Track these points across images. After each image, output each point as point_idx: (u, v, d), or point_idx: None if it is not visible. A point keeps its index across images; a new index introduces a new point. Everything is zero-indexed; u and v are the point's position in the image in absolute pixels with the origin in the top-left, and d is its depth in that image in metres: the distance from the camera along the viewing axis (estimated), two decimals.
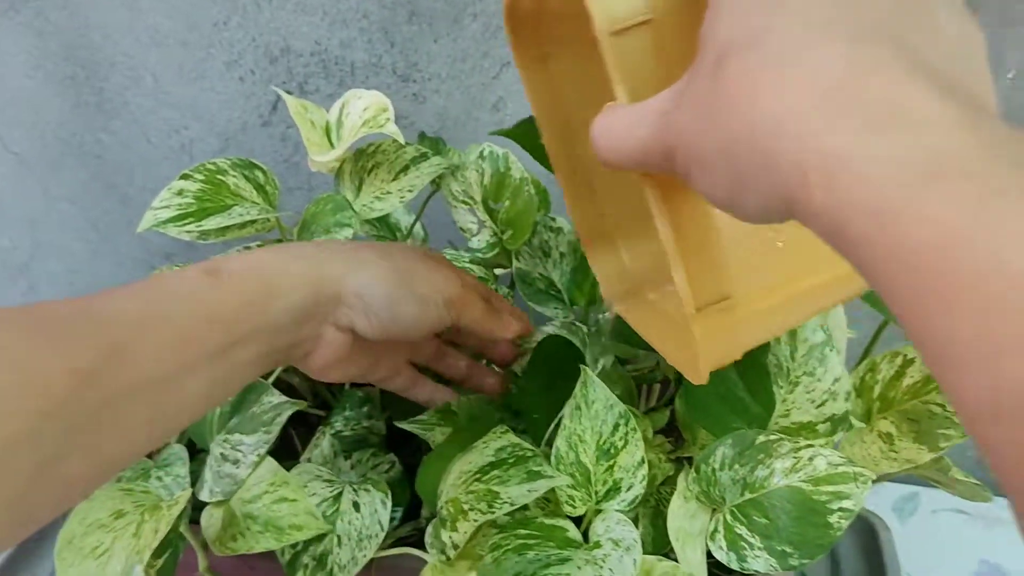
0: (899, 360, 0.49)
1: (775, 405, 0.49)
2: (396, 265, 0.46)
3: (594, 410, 0.49)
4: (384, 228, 0.74)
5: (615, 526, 0.46)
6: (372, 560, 0.53)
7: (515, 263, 0.65)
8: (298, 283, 0.41)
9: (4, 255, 0.97)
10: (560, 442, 0.48)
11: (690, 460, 0.54)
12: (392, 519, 0.57)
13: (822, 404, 0.48)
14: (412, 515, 0.59)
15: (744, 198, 0.23)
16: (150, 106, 0.85)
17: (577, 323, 0.61)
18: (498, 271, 0.69)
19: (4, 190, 0.93)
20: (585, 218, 0.50)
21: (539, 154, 0.54)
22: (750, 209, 0.23)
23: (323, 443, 0.60)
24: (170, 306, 0.36)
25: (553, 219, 0.65)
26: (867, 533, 0.80)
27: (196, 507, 0.53)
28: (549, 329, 0.60)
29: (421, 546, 0.52)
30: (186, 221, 0.59)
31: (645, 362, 0.67)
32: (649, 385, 0.67)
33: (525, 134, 0.54)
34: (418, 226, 0.73)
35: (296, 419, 0.68)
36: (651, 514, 0.52)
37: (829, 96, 0.20)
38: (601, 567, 0.43)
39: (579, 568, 0.43)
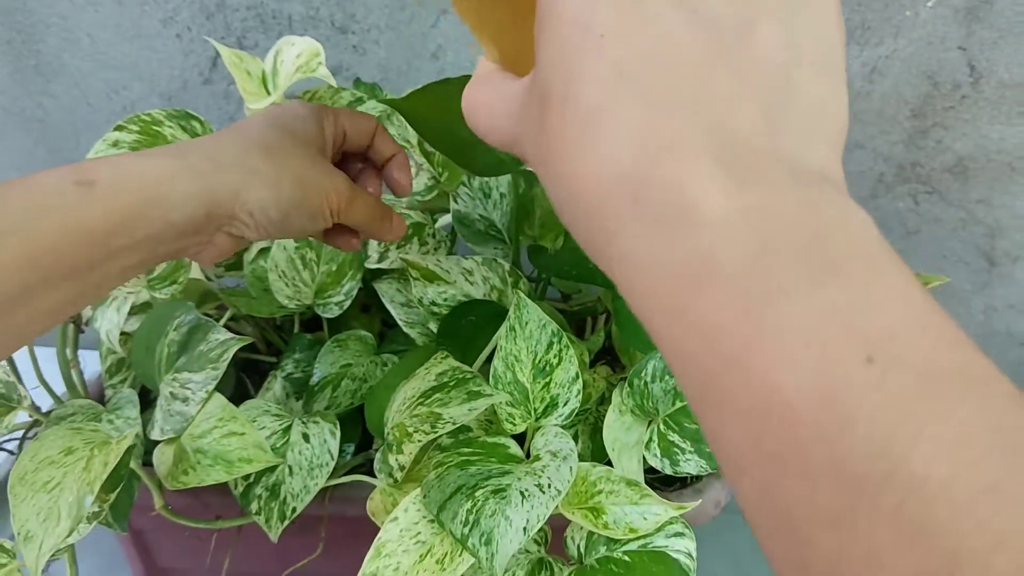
0: None
1: None
2: (291, 175, 0.42)
3: (528, 330, 0.51)
4: None
5: (553, 439, 0.48)
6: (326, 491, 0.55)
7: (453, 205, 0.67)
8: (185, 201, 0.38)
9: None
10: (497, 363, 0.50)
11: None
12: (345, 453, 0.59)
13: None
14: (365, 449, 0.61)
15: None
16: (89, 68, 0.84)
17: (499, 260, 0.62)
18: (439, 219, 0.70)
19: None
20: None
21: (423, 129, 0.53)
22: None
23: (275, 386, 0.61)
24: (26, 218, 0.33)
25: None
26: None
27: (149, 450, 0.55)
28: (470, 266, 0.61)
29: (373, 475, 0.54)
30: None
31: (586, 296, 0.70)
32: (593, 317, 0.69)
33: (412, 107, 0.50)
34: None
35: (250, 367, 0.69)
36: (590, 431, 0.54)
37: (622, 183, 0.20)
38: (540, 476, 0.45)
39: (519, 479, 0.45)
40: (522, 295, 0.51)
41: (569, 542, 0.48)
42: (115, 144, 0.61)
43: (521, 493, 0.44)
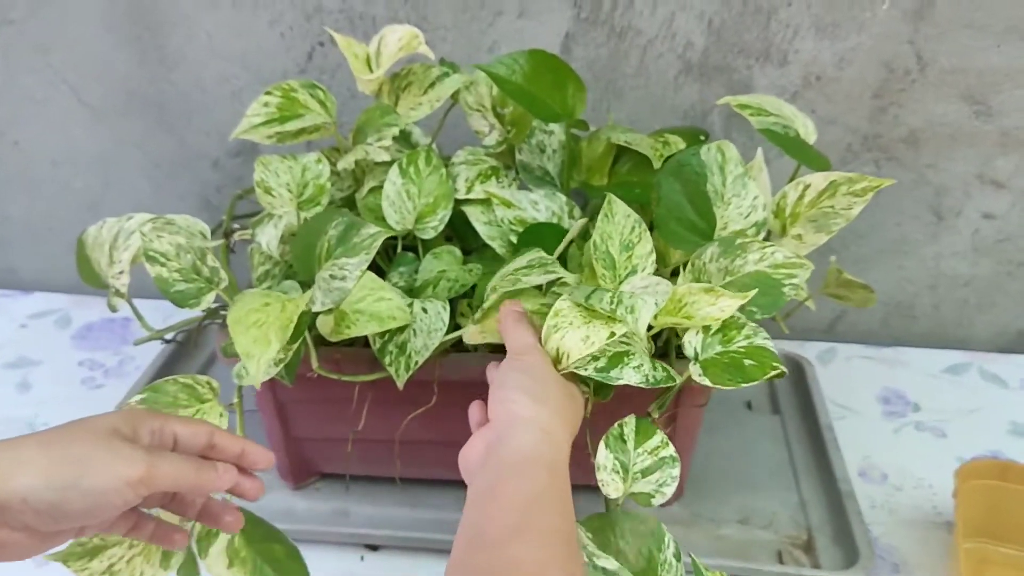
0: (801, 186, 0.71)
1: (716, 221, 0.71)
2: (65, 455, 0.45)
3: (617, 219, 0.69)
4: (407, 146, 0.93)
5: (640, 281, 0.67)
6: (437, 362, 0.73)
7: (518, 156, 0.86)
8: None
9: (77, 195, 1.15)
10: (596, 237, 0.68)
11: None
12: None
13: (748, 215, 0.69)
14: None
15: None
16: (205, 59, 1.03)
17: (558, 193, 0.81)
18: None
19: (79, 138, 1.10)
20: None
21: (505, 85, 0.76)
22: None
23: None
24: None
25: (546, 125, 0.86)
26: (797, 371, 1.03)
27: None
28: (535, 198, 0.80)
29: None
30: (272, 124, 0.79)
31: None
32: None
33: (497, 71, 0.78)
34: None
35: None
36: None
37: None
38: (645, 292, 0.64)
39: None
40: (611, 195, 0.69)
41: (687, 345, 0.64)
42: (266, 104, 0.80)
43: (641, 297, 0.63)
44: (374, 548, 0.81)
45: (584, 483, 0.64)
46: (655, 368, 0.63)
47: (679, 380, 0.63)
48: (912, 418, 0.98)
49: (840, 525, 0.81)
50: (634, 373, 0.62)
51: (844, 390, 1.02)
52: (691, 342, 0.64)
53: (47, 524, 0.45)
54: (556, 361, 0.62)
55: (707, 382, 0.62)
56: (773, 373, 0.60)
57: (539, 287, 0.69)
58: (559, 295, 0.65)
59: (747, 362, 0.62)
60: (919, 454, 0.93)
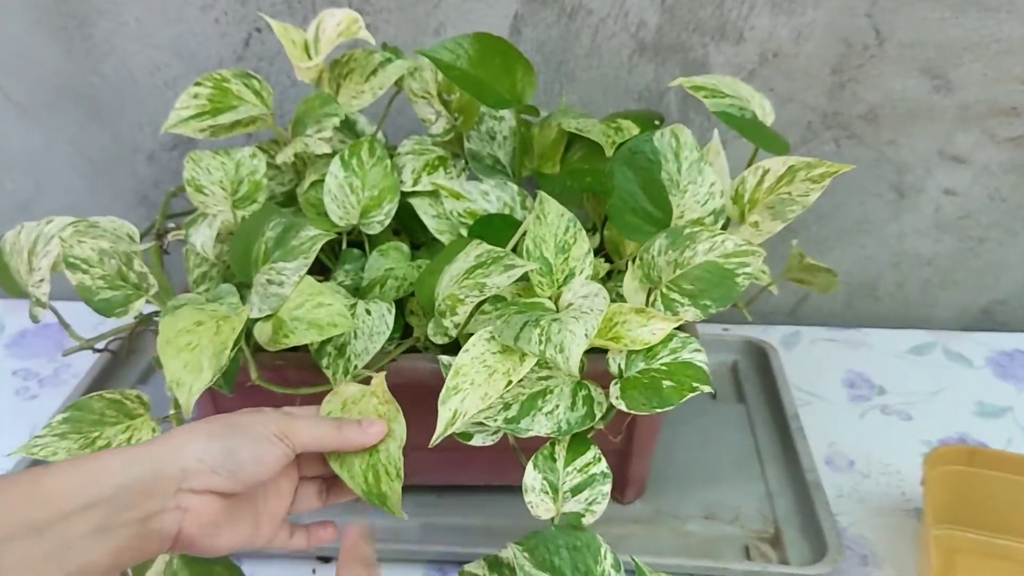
0: (760, 171, 0.68)
1: (672, 210, 0.68)
2: (225, 421, 0.52)
3: (550, 219, 0.66)
4: (352, 136, 0.89)
5: (580, 288, 0.63)
6: (385, 366, 0.69)
7: (466, 144, 0.82)
8: (133, 460, 0.47)
9: (8, 197, 1.09)
10: (528, 242, 0.65)
11: (612, 273, 0.73)
12: (393, 339, 0.73)
13: (706, 202, 0.66)
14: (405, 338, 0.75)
15: None
16: (136, 49, 0.98)
17: (509, 183, 0.77)
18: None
19: (7, 136, 1.04)
20: None
21: (448, 70, 0.72)
22: None
23: None
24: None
25: (495, 111, 0.82)
26: (761, 356, 1.01)
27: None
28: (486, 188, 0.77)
29: None
30: (203, 117, 0.74)
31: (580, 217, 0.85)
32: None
33: (440, 55, 0.73)
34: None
35: None
36: None
37: None
38: (580, 308, 0.59)
39: (566, 315, 0.60)
40: (543, 194, 0.66)
41: (611, 362, 0.62)
42: (196, 96, 0.75)
43: (574, 317, 0.58)
44: (326, 560, 0.78)
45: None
46: (574, 407, 0.60)
47: (600, 413, 0.60)
48: (878, 401, 0.97)
49: (808, 517, 0.79)
50: (546, 421, 0.59)
51: (809, 375, 1.00)
52: (615, 358, 0.62)
53: (228, 480, 0.50)
54: (451, 423, 0.58)
55: (623, 406, 0.59)
56: (691, 395, 0.58)
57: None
58: (489, 312, 0.61)
59: (666, 383, 0.59)
60: (885, 439, 0.91)
